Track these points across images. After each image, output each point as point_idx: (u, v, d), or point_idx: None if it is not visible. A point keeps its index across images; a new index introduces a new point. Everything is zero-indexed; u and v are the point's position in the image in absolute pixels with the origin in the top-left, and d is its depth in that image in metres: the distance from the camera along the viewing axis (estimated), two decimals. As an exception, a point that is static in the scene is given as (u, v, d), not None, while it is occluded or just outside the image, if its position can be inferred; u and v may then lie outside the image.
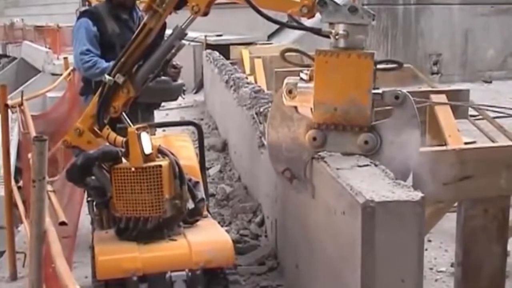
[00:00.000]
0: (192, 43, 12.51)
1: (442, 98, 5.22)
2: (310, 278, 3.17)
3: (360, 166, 2.64)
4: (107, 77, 3.24)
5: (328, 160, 2.75)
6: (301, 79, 2.85)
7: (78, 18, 4.32)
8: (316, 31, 2.88)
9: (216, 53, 9.99)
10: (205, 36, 12.47)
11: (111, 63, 3.42)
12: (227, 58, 9.75)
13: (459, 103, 5.26)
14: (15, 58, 24.97)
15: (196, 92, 12.32)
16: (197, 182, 3.22)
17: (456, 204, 3.02)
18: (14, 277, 4.39)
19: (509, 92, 11.46)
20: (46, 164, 2.26)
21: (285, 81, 2.88)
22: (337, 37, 2.74)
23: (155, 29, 3.19)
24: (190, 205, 3.11)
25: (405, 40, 13.85)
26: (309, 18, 2.88)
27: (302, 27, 3.03)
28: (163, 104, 4.82)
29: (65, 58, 10.01)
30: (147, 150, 2.95)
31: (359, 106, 2.73)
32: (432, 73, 13.71)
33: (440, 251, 4.37)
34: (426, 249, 3.89)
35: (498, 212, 2.87)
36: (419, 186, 2.46)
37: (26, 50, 23.17)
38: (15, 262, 4.43)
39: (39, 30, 24.13)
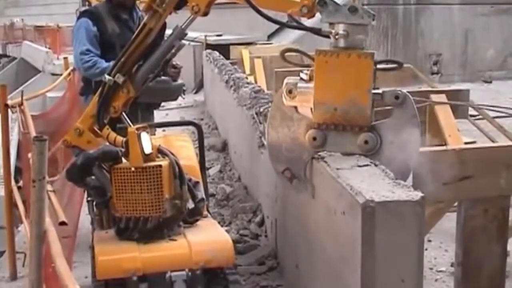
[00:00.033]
0: (192, 43, 12.51)
1: (442, 98, 5.22)
2: (310, 278, 3.17)
3: (360, 166, 2.64)
4: (107, 77, 3.24)
5: (328, 160, 2.75)
6: (301, 79, 2.85)
7: (78, 18, 4.32)
8: (316, 31, 2.88)
9: (216, 53, 9.99)
10: (205, 36, 12.47)
11: (111, 63, 3.42)
12: (227, 58, 9.75)
13: (459, 103, 5.26)
14: (15, 58, 24.96)
15: (196, 92, 12.32)
16: (197, 182, 3.22)
17: (456, 204, 3.02)
18: (14, 277, 4.39)
19: (509, 92, 11.46)
20: (46, 164, 2.26)
21: (285, 81, 2.88)
22: (337, 37, 2.74)
23: (155, 29, 3.19)
24: (190, 205, 3.11)
25: (405, 40, 13.85)
26: (309, 18, 2.88)
27: (302, 27, 3.03)
28: (163, 104, 4.82)
29: (65, 58, 10.00)
30: (147, 150, 2.95)
31: (359, 106, 2.73)
32: (432, 73, 13.71)
33: (440, 251, 4.37)
34: (426, 249, 3.89)
35: (498, 212, 2.87)
36: (419, 186, 2.46)
37: (26, 50, 23.17)
38: (15, 262, 4.43)
39: (39, 30, 24.13)
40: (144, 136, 2.96)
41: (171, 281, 2.82)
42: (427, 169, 2.76)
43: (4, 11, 38.94)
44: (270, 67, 8.55)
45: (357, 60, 2.71)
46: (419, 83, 7.79)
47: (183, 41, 3.27)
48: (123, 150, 3.01)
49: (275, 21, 3.08)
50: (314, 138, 2.81)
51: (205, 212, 3.31)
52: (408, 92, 2.82)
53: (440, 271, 4.12)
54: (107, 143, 3.19)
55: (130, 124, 3.20)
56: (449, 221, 3.45)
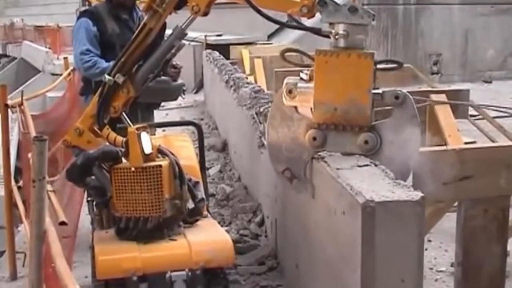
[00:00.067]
0: (192, 43, 12.51)
1: (442, 98, 5.22)
2: (310, 278, 3.17)
3: (360, 166, 2.64)
4: (107, 77, 3.24)
5: (328, 160, 2.75)
6: (301, 79, 2.85)
7: (78, 18, 4.32)
8: (316, 31, 2.88)
9: (216, 53, 9.99)
10: (205, 36, 12.47)
11: (111, 63, 3.42)
12: (227, 58, 9.75)
13: (459, 103, 5.26)
14: (15, 58, 24.96)
15: (196, 92, 12.32)
16: (197, 182, 3.22)
17: (456, 204, 3.02)
18: (14, 277, 4.39)
19: (509, 92, 11.46)
20: (46, 164, 2.26)
21: (285, 81, 2.88)
22: (337, 37, 2.74)
23: (155, 29, 3.19)
24: (190, 205, 3.11)
25: (405, 40, 13.85)
26: (309, 18, 2.88)
27: (302, 27, 3.03)
28: (163, 104, 4.82)
29: (65, 58, 10.00)
30: (147, 150, 2.95)
31: (359, 106, 2.73)
32: (432, 73, 13.71)
33: (440, 251, 4.37)
34: (426, 249, 3.89)
35: (498, 212, 2.87)
36: (419, 186, 2.46)
37: (26, 50, 23.17)
38: (15, 262, 4.43)
39: (39, 30, 24.12)
40: (144, 136, 2.96)
41: (171, 281, 2.82)
42: (427, 169, 2.76)
43: (4, 11, 38.94)
44: (270, 67, 8.55)
45: (357, 60, 2.71)
46: (419, 83, 7.80)
47: (183, 41, 3.27)
48: (123, 150, 3.01)
49: (275, 21, 3.08)
50: (314, 138, 2.81)
51: (205, 212, 3.31)
52: (408, 92, 2.82)
53: (440, 271, 4.12)
54: (107, 143, 3.19)
55: (130, 124, 3.20)
56: (449, 221, 3.45)
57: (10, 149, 4.58)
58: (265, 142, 3.65)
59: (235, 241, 3.76)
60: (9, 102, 4.52)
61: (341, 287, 2.55)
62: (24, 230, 4.66)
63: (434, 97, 5.19)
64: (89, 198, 3.56)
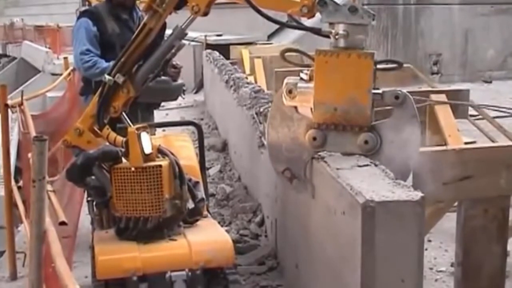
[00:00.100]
0: (192, 43, 12.51)
1: (442, 98, 5.22)
2: (310, 278, 3.17)
3: (360, 166, 2.64)
4: (107, 77, 3.24)
5: (328, 160, 2.75)
6: (301, 79, 2.85)
7: (78, 18, 4.32)
8: (316, 31, 2.88)
9: (216, 53, 9.99)
10: (205, 36, 12.47)
11: (111, 63, 3.42)
12: (227, 58, 9.75)
13: (459, 103, 5.27)
14: (15, 58, 24.96)
15: (196, 92, 12.32)
16: (197, 182, 3.22)
17: (456, 204, 3.02)
18: (14, 276, 4.39)
19: (509, 92, 11.46)
20: (46, 164, 2.26)
21: (285, 81, 2.88)
22: (337, 37, 2.74)
23: (155, 29, 3.19)
24: (190, 205, 3.11)
25: (405, 40, 13.85)
26: (309, 18, 2.88)
27: (302, 27, 3.03)
28: (163, 104, 4.82)
29: (65, 58, 10.00)
30: (147, 150, 2.95)
31: (359, 106, 2.73)
32: (432, 73, 13.72)
33: (440, 251, 4.37)
34: (426, 249, 3.89)
35: (498, 212, 2.87)
36: (419, 186, 2.46)
37: (26, 50, 23.17)
38: (15, 262, 4.43)
39: (39, 30, 24.13)
40: (144, 136, 2.96)
41: (171, 281, 2.82)
42: (427, 169, 2.76)
43: (4, 11, 38.94)
44: (270, 67, 8.55)
45: (357, 60, 2.71)
46: (419, 83, 7.80)
47: (183, 41, 3.27)
48: (123, 150, 3.01)
49: (275, 21, 3.08)
50: (314, 138, 2.81)
51: (205, 212, 3.30)
52: (408, 92, 2.82)
53: (440, 271, 4.12)
54: (107, 143, 3.19)
55: (130, 124, 3.20)
56: (449, 221, 3.45)
57: (10, 149, 4.58)
58: (265, 142, 3.65)
59: (235, 241, 3.76)
60: (9, 102, 4.52)
61: (341, 287, 2.55)
62: (24, 230, 4.66)
63: (434, 97, 5.19)
64: (89, 198, 3.56)
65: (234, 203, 5.34)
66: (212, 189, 5.62)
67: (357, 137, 2.76)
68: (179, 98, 4.32)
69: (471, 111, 5.80)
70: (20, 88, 13.44)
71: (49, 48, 19.79)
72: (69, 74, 8.90)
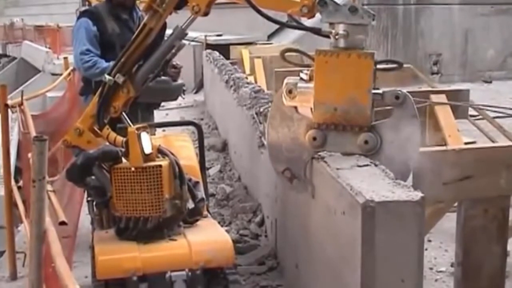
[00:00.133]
0: (192, 43, 12.51)
1: (442, 98, 5.23)
2: (310, 278, 3.17)
3: (360, 166, 2.64)
4: (107, 77, 3.24)
5: (328, 160, 2.75)
6: (301, 79, 2.85)
7: (78, 18, 4.32)
8: (316, 31, 2.88)
9: (216, 53, 9.99)
10: (205, 36, 12.47)
11: (111, 63, 3.42)
12: (227, 58, 9.75)
13: (459, 103, 5.27)
14: (15, 58, 24.96)
15: (196, 92, 12.32)
16: (197, 182, 3.22)
17: (456, 204, 3.02)
18: (14, 276, 4.39)
19: (509, 92, 11.46)
20: (46, 164, 2.26)
21: (285, 81, 2.88)
22: (337, 37, 2.74)
23: (155, 29, 3.19)
24: (190, 205, 3.11)
25: (405, 40, 13.85)
26: (309, 18, 2.88)
27: (302, 27, 3.03)
28: (163, 104, 4.82)
29: (65, 58, 9.99)
30: (147, 150, 2.95)
31: (359, 106, 2.73)
32: (432, 73, 13.71)
33: (440, 251, 4.37)
34: (426, 249, 3.89)
35: (498, 212, 2.87)
36: (419, 186, 2.46)
37: (26, 50, 23.17)
38: (15, 262, 4.43)
39: (39, 30, 24.12)
40: (144, 136, 2.96)
41: (171, 281, 2.82)
42: (427, 169, 2.76)
43: (4, 11, 38.94)
44: (270, 67, 8.55)
45: (357, 60, 2.71)
46: (419, 83, 7.80)
47: (183, 41, 3.27)
48: (123, 150, 3.01)
49: (275, 21, 3.08)
50: (314, 138, 2.81)
51: (205, 212, 3.30)
52: (408, 92, 2.82)
53: (440, 271, 4.12)
54: (107, 143, 3.19)
55: (130, 124, 3.20)
56: (449, 221, 3.45)
57: (10, 149, 4.57)
58: (265, 142, 3.65)
59: (235, 241, 3.76)
60: (9, 102, 4.52)
61: (341, 287, 2.55)
62: (24, 230, 4.66)
63: (434, 97, 5.19)
64: (89, 198, 3.56)
65: (234, 203, 5.34)
66: (212, 189, 5.62)
67: (357, 137, 2.76)
68: (179, 98, 4.32)
69: (471, 111, 5.80)
70: (20, 88, 13.44)
71: (49, 48, 19.79)
72: (69, 74, 8.89)
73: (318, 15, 2.82)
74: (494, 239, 2.88)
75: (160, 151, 3.04)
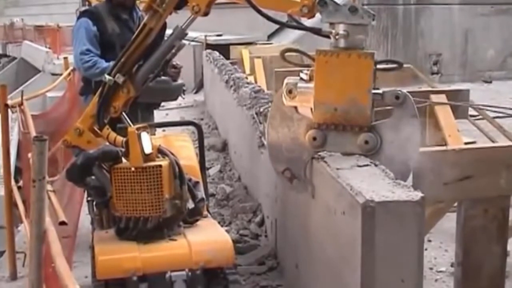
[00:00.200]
0: (192, 43, 12.51)
1: (442, 98, 5.23)
2: (310, 278, 3.17)
3: (360, 166, 2.64)
4: (107, 77, 3.24)
5: (328, 160, 2.75)
6: (301, 79, 2.85)
7: (78, 18, 4.32)
8: (316, 31, 2.88)
9: (216, 53, 9.99)
10: (205, 36, 12.47)
11: (111, 63, 3.42)
12: (227, 58, 9.75)
13: (459, 103, 5.27)
14: (15, 58, 24.97)
15: (196, 92, 12.32)
16: (197, 182, 3.22)
17: (456, 204, 3.02)
18: (14, 276, 4.39)
19: (509, 92, 11.46)
20: (46, 164, 2.26)
21: (285, 81, 2.88)
22: (337, 37, 2.74)
23: (155, 29, 3.19)
24: (190, 205, 3.11)
25: (405, 40, 13.86)
26: (309, 18, 2.88)
27: (302, 27, 3.03)
28: (163, 104, 4.82)
29: (65, 58, 9.99)
30: (147, 150, 2.95)
31: (359, 106, 2.73)
32: (432, 73, 13.72)
33: (440, 251, 4.37)
34: (426, 249, 3.89)
35: (498, 212, 2.87)
36: (419, 186, 2.46)
37: (26, 50, 23.17)
38: (15, 262, 4.43)
39: (39, 30, 24.13)
40: (144, 136, 2.96)
41: (171, 281, 2.82)
42: (427, 169, 2.76)
43: (4, 11, 38.94)
44: (270, 67, 8.55)
45: (357, 60, 2.71)
46: (419, 83, 7.80)
47: (183, 41, 3.27)
48: (123, 150, 3.01)
49: (275, 21, 3.08)
50: (314, 138, 2.81)
51: (205, 212, 3.30)
52: (408, 92, 2.82)
53: (440, 271, 4.12)
54: (107, 143, 3.19)
55: (130, 124, 3.20)
56: (449, 221, 3.45)
57: (10, 149, 4.57)
58: (265, 142, 3.65)
59: (235, 241, 3.76)
60: (9, 102, 4.52)
61: (341, 287, 2.55)
62: (24, 230, 4.66)
63: (434, 97, 5.19)
64: (89, 198, 3.56)
65: (234, 203, 5.34)
66: (212, 189, 5.62)
67: (357, 137, 2.76)
68: (179, 98, 4.32)
69: (471, 111, 5.80)
70: (20, 88, 13.44)
71: (49, 48, 19.79)
72: (69, 74, 8.89)
73: (318, 15, 2.82)
74: (494, 239, 2.88)
75: (160, 151, 3.04)
